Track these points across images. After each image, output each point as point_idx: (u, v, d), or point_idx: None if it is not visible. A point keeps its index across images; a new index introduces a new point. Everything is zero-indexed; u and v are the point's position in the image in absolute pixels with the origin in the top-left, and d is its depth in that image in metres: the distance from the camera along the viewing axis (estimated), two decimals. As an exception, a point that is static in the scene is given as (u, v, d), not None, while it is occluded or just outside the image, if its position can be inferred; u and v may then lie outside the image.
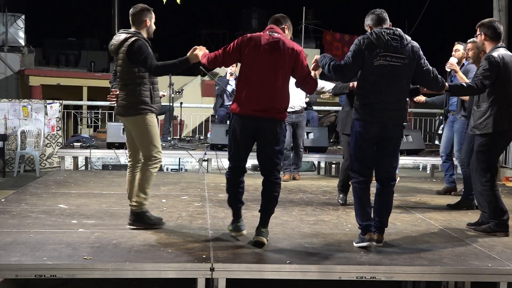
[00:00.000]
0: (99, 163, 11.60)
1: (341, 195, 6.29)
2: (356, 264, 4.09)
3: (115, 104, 4.94)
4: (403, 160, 8.85)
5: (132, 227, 4.83)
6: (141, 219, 4.85)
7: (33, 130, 10.96)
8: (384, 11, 4.50)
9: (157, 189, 6.92)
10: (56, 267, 3.87)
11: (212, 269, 3.93)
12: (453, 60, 6.21)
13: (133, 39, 4.73)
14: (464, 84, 5.04)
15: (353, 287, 4.45)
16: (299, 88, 4.76)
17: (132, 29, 4.85)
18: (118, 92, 4.88)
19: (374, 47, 4.31)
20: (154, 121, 4.84)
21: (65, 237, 4.51)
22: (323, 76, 4.72)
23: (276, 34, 4.44)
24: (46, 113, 11.18)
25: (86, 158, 9.58)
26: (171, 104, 9.43)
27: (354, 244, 4.50)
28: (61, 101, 11.45)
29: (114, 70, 5.16)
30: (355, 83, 5.33)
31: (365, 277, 4.03)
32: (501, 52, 4.98)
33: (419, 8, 17.59)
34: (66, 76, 17.44)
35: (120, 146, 8.48)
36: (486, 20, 5.12)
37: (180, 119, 10.78)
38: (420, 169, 12.59)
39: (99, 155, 10.01)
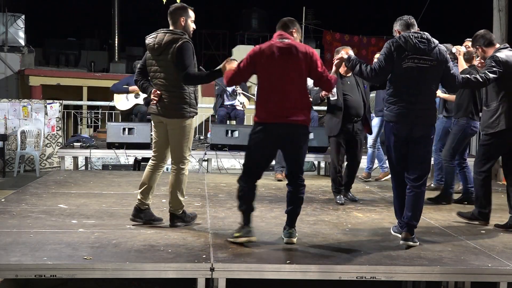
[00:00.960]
0: (99, 163, 11.60)
1: (337, 196, 6.30)
2: (356, 264, 4.10)
3: (155, 104, 4.83)
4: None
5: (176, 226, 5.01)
6: (181, 219, 5.05)
7: (33, 130, 10.96)
8: (411, 17, 4.72)
9: (157, 189, 6.89)
10: (56, 267, 3.87)
11: (212, 269, 3.93)
12: (462, 48, 6.24)
13: (182, 41, 4.68)
14: (471, 78, 5.13)
15: (353, 287, 4.45)
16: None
17: (179, 30, 4.77)
18: (160, 93, 4.78)
19: (402, 50, 4.50)
20: (193, 125, 4.93)
21: (65, 237, 4.51)
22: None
23: (286, 40, 4.49)
24: (46, 113, 11.18)
25: (86, 158, 9.58)
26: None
27: (392, 231, 4.93)
28: (61, 101, 11.45)
29: (139, 68, 5.00)
30: (323, 93, 5.59)
31: (365, 277, 4.03)
32: (505, 53, 5.16)
33: (419, 8, 17.58)
34: (66, 76, 17.44)
35: (120, 146, 8.48)
36: (475, 35, 5.37)
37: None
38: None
39: (99, 155, 10.01)
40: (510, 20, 10.67)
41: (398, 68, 4.51)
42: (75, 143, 8.87)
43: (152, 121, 5.08)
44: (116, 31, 20.18)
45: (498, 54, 5.10)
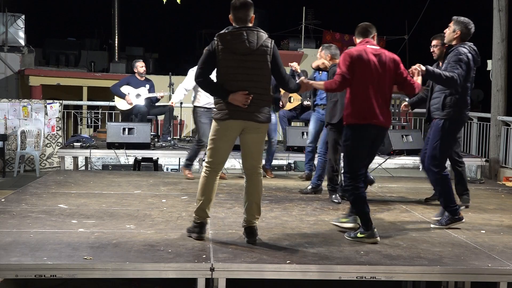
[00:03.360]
0: (99, 163, 11.61)
1: (333, 195, 6.30)
2: (356, 264, 4.10)
3: (244, 108, 4.35)
4: (403, 160, 8.86)
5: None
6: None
7: (33, 130, 10.96)
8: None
9: (157, 189, 6.93)
10: (56, 267, 3.87)
11: (212, 269, 3.93)
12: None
13: (273, 41, 4.48)
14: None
15: (353, 287, 4.45)
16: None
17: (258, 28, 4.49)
18: (251, 96, 4.36)
19: (475, 61, 5.15)
20: None
21: (65, 237, 4.51)
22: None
23: (375, 47, 4.77)
24: (46, 113, 11.18)
25: (86, 158, 9.59)
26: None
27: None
28: (61, 101, 11.45)
29: (200, 68, 4.43)
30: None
31: (365, 277, 4.03)
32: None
33: (419, 8, 17.60)
34: (66, 76, 17.42)
35: (120, 146, 8.48)
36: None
37: (180, 119, 10.78)
38: (420, 169, 12.54)
39: (99, 155, 10.02)
40: (510, 20, 10.65)
41: (469, 77, 5.13)
42: (75, 143, 8.88)
43: (218, 126, 4.45)
44: (116, 31, 20.17)
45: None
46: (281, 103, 9.21)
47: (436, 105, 5.30)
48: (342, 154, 5.14)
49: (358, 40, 4.89)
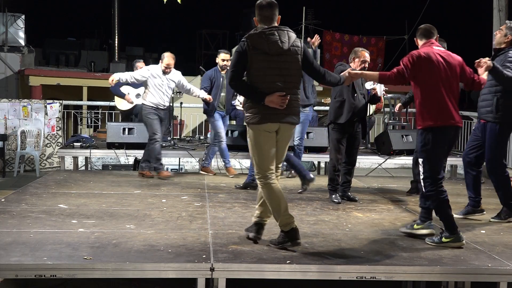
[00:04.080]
0: (99, 163, 11.61)
1: (333, 195, 6.30)
2: (356, 264, 4.10)
3: (282, 110, 4.26)
4: (403, 160, 8.86)
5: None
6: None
7: (33, 130, 10.96)
8: None
9: (157, 189, 6.93)
10: (56, 267, 3.87)
11: (212, 269, 3.93)
12: None
13: (301, 40, 4.45)
14: None
15: (353, 287, 4.45)
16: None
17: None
18: (288, 97, 4.27)
19: None
20: None
21: (65, 237, 4.51)
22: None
23: (441, 48, 4.81)
24: (46, 113, 11.19)
25: (86, 158, 9.59)
26: (171, 104, 9.41)
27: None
28: (61, 101, 11.45)
29: (232, 70, 4.32)
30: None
31: (365, 277, 4.03)
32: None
33: (419, 8, 17.59)
34: (66, 76, 17.42)
35: (120, 146, 8.48)
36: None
37: (180, 119, 10.79)
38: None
39: (99, 155, 10.02)
40: (510, 20, 10.65)
41: None
42: (75, 143, 8.88)
43: (257, 131, 4.32)
44: (116, 31, 20.17)
45: None
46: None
47: (487, 108, 5.42)
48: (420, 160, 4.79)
49: (421, 42, 4.87)
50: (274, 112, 4.26)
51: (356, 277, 4.03)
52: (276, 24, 4.36)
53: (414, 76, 4.66)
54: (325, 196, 6.65)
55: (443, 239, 4.60)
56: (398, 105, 7.32)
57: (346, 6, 26.42)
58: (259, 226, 4.58)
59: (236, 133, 8.61)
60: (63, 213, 5.40)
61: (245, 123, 4.66)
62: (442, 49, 4.82)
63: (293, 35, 4.36)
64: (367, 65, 6.20)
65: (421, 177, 4.70)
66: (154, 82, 7.60)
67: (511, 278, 4.12)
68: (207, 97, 7.73)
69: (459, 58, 4.82)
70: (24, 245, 4.26)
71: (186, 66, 19.18)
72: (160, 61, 7.67)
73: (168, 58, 7.62)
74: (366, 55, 6.19)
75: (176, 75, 7.82)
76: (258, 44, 4.24)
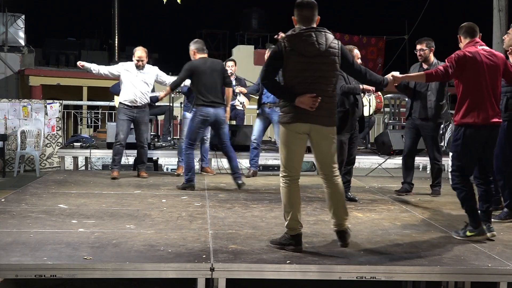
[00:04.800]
0: (99, 163, 11.61)
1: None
2: (356, 264, 4.10)
3: (313, 111, 4.23)
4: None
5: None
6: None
7: (33, 130, 10.96)
8: None
9: (157, 189, 6.93)
10: (56, 267, 3.87)
11: (212, 269, 3.93)
12: None
13: (339, 41, 4.40)
14: None
15: (353, 287, 4.45)
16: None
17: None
18: (319, 99, 4.23)
19: None
20: None
21: (65, 237, 4.51)
22: None
23: (486, 47, 4.88)
24: (46, 113, 11.19)
25: (86, 158, 9.59)
26: (171, 104, 9.43)
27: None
28: (61, 101, 11.45)
29: (265, 70, 4.34)
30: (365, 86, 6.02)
31: (365, 277, 4.03)
32: None
33: (419, 8, 17.59)
34: (66, 76, 17.41)
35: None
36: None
37: (180, 119, 10.76)
38: (420, 169, 12.57)
39: (99, 155, 10.01)
40: (510, 20, 10.66)
41: None
42: (75, 143, 8.88)
43: (287, 130, 4.34)
44: (116, 31, 20.17)
45: None
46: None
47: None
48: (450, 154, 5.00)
49: (465, 41, 4.91)
50: (305, 113, 4.24)
51: (356, 277, 4.03)
52: (314, 25, 4.35)
53: (458, 75, 4.76)
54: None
55: (467, 233, 4.75)
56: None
57: (346, 6, 26.40)
58: (339, 234, 4.47)
59: (236, 133, 8.60)
60: (63, 213, 5.40)
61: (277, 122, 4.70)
62: (487, 48, 4.87)
63: (330, 36, 4.33)
64: (360, 61, 6.23)
65: (449, 170, 4.83)
66: (127, 77, 7.53)
67: (511, 278, 4.12)
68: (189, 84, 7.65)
69: (502, 56, 4.90)
70: (24, 245, 4.26)
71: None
72: (133, 55, 7.61)
73: (139, 51, 7.55)
74: (357, 52, 6.19)
75: (153, 70, 7.75)
76: (295, 45, 4.23)
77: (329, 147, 4.38)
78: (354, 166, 6.58)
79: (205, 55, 7.00)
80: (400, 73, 5.13)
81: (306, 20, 4.32)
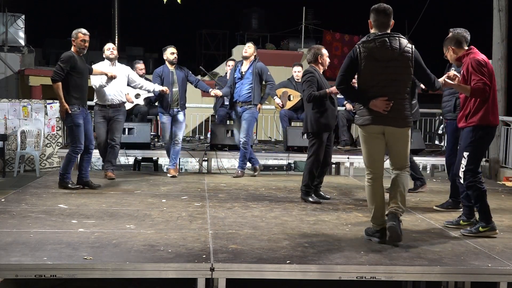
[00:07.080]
0: (99, 163, 11.59)
1: (309, 198, 6.27)
2: (356, 264, 4.10)
3: (386, 114, 4.45)
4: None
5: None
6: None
7: (33, 130, 10.96)
8: None
9: (157, 189, 6.93)
10: (56, 267, 3.88)
11: (212, 269, 3.93)
12: None
13: (413, 45, 4.56)
14: None
15: (353, 287, 4.45)
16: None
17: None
18: (391, 102, 4.44)
19: None
20: None
21: (65, 237, 4.51)
22: None
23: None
24: (46, 113, 11.19)
25: (86, 158, 9.56)
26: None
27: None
28: (61, 101, 11.42)
29: (342, 75, 4.54)
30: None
31: (365, 277, 4.03)
32: None
33: (419, 8, 17.58)
34: (66, 76, 17.40)
35: (120, 146, 8.46)
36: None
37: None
38: (420, 169, 12.57)
39: (99, 155, 9.99)
40: (510, 20, 10.66)
41: None
42: (75, 143, 8.84)
43: (363, 132, 4.61)
44: (116, 31, 20.17)
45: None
46: (281, 103, 9.23)
47: None
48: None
49: (462, 50, 5.06)
50: (378, 115, 4.48)
51: (356, 277, 4.03)
52: (389, 31, 4.51)
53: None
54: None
55: (480, 229, 4.88)
56: None
57: (346, 6, 26.40)
58: (390, 216, 4.56)
59: (236, 133, 8.60)
60: (63, 213, 5.40)
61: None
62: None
63: (404, 41, 4.50)
64: (328, 60, 6.39)
65: (462, 169, 4.89)
66: (101, 76, 7.65)
67: (511, 278, 4.12)
68: (163, 88, 7.67)
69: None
70: (24, 245, 4.26)
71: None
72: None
73: (109, 44, 7.83)
74: (325, 51, 6.32)
75: (125, 69, 7.84)
76: (370, 50, 4.44)
77: (403, 147, 4.62)
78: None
79: None
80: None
81: (382, 26, 4.51)
